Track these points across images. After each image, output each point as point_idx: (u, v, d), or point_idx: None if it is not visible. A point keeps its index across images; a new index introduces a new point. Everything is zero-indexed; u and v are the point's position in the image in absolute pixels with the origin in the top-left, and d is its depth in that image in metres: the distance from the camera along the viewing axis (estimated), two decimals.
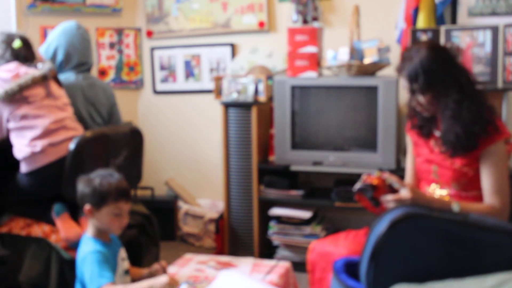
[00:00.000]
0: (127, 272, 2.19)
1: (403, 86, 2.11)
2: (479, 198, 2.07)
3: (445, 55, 2.07)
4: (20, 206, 2.67)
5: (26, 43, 2.78)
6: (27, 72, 2.64)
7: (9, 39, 2.75)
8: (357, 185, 2.06)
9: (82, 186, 2.13)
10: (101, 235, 2.11)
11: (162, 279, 1.99)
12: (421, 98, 2.06)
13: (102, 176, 2.12)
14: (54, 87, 2.71)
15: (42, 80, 2.63)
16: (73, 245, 2.52)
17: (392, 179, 2.02)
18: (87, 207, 2.09)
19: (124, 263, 2.18)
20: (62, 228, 2.55)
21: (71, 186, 2.55)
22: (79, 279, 2.10)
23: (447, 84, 2.03)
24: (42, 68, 2.69)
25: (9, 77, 2.60)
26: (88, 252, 2.05)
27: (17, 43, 2.74)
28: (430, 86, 2.03)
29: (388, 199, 1.98)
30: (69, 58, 3.01)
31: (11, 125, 2.59)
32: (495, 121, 2.03)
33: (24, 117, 2.57)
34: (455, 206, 1.99)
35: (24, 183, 2.61)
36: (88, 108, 3.03)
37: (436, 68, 2.02)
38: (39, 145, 2.55)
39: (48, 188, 2.61)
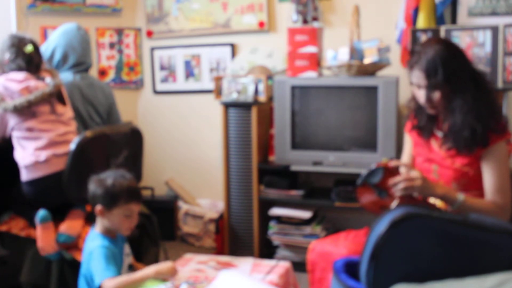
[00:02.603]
0: (131, 266, 2.22)
1: (415, 81, 2.06)
2: (479, 197, 2.07)
3: (459, 51, 2.06)
4: (21, 207, 2.67)
5: (36, 47, 2.73)
6: (37, 87, 2.60)
7: (21, 43, 2.68)
8: (364, 172, 2.01)
9: (93, 187, 2.14)
10: (108, 232, 2.15)
11: (168, 263, 2.06)
12: (436, 94, 2.04)
13: (114, 177, 2.14)
14: (57, 105, 2.67)
15: (49, 96, 2.62)
16: (51, 256, 2.51)
17: (401, 164, 1.99)
18: (98, 207, 2.11)
19: (128, 258, 2.21)
20: (40, 238, 2.50)
21: (71, 185, 2.57)
22: (83, 275, 2.12)
23: (465, 79, 2.01)
24: (49, 83, 2.65)
25: (17, 89, 2.56)
26: (95, 247, 2.08)
27: (29, 48, 2.67)
28: (449, 80, 1.99)
29: (399, 179, 1.93)
30: (67, 57, 3.02)
31: (16, 133, 2.58)
32: (504, 122, 2.04)
33: (29, 129, 2.57)
34: (460, 196, 1.98)
35: (24, 191, 2.60)
36: (87, 107, 3.03)
37: (454, 62, 2.00)
38: (44, 154, 2.55)
39: (47, 198, 2.60)
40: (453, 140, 2.05)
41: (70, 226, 2.56)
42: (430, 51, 2.01)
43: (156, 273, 2.04)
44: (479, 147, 2.02)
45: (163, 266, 2.06)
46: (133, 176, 2.21)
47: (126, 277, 2.02)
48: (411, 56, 2.10)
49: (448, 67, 1.99)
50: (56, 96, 2.67)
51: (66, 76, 2.99)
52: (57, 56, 3.02)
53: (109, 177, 2.14)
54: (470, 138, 2.00)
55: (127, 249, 2.24)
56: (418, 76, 2.04)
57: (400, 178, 1.95)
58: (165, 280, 2.08)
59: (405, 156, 2.33)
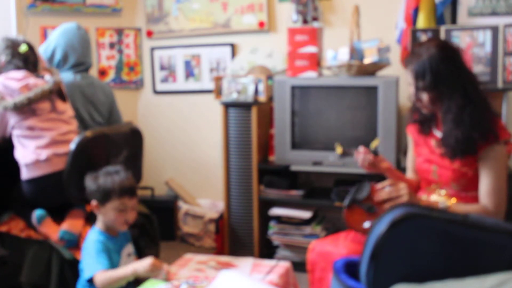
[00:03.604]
0: None
1: (408, 81, 2.11)
2: (478, 198, 2.07)
3: (454, 57, 2.06)
4: (20, 208, 2.67)
5: (30, 47, 2.74)
6: (36, 84, 2.60)
7: (14, 44, 2.70)
8: (351, 191, 2.11)
9: (89, 183, 2.23)
10: (108, 229, 2.20)
11: (145, 262, 2.04)
12: (424, 96, 2.06)
13: (107, 173, 2.22)
14: (58, 102, 2.68)
15: (49, 93, 2.62)
16: (70, 244, 2.53)
17: (385, 186, 2.08)
18: (93, 203, 2.20)
19: (129, 259, 2.22)
20: (51, 233, 2.53)
21: (71, 185, 2.56)
22: (82, 269, 2.15)
23: (452, 87, 2.02)
24: (49, 80, 2.66)
25: (17, 87, 2.56)
26: (90, 241, 2.14)
27: (23, 47, 2.69)
28: (435, 86, 2.02)
29: (386, 184, 2.04)
30: (67, 57, 3.02)
31: (16, 132, 2.58)
32: (495, 128, 2.02)
33: (30, 128, 2.57)
34: (442, 205, 2.01)
35: (24, 190, 2.60)
36: (88, 107, 3.03)
37: (444, 69, 2.01)
38: (45, 153, 2.55)
39: (47, 198, 2.60)
40: (443, 146, 2.08)
41: (71, 224, 2.56)
42: (424, 53, 2.04)
43: (134, 272, 2.03)
44: (472, 154, 2.03)
45: (139, 264, 2.04)
46: (130, 172, 2.26)
47: (111, 273, 2.04)
48: (409, 55, 2.13)
49: (436, 73, 2.01)
50: (56, 93, 2.67)
51: (67, 76, 2.99)
52: (58, 56, 3.03)
53: (103, 173, 2.23)
54: (455, 146, 2.03)
55: (130, 248, 2.26)
56: (409, 75, 2.09)
57: (387, 183, 2.05)
58: (166, 280, 2.08)
59: (409, 155, 2.34)
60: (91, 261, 2.08)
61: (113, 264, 2.12)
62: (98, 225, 2.22)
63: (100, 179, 2.20)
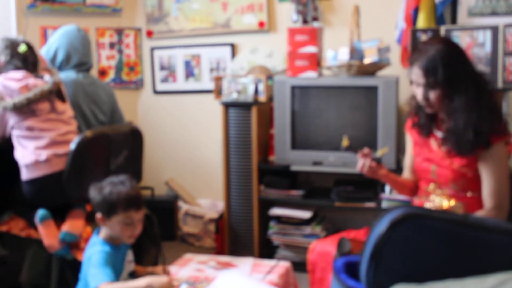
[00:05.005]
0: (132, 274, 2.19)
1: (414, 78, 2.06)
2: (477, 199, 2.07)
3: (460, 51, 2.05)
4: (20, 208, 2.67)
5: (30, 47, 2.75)
6: (36, 84, 2.60)
7: (13, 44, 2.70)
8: (337, 252, 2.18)
9: (93, 194, 2.12)
10: (111, 239, 2.11)
11: (163, 279, 1.97)
12: (432, 93, 2.03)
13: (113, 185, 2.10)
14: (57, 102, 2.68)
15: (49, 94, 2.62)
16: (60, 252, 2.52)
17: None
18: (98, 215, 2.09)
19: (130, 265, 2.19)
20: (45, 236, 2.50)
21: (71, 185, 2.56)
22: (83, 278, 2.11)
23: (465, 80, 2.00)
24: (48, 80, 2.65)
25: (16, 87, 2.56)
26: (94, 252, 2.06)
27: (22, 48, 2.70)
28: (448, 80, 1.98)
29: None
30: (69, 58, 3.03)
31: (16, 132, 2.58)
32: (503, 121, 2.03)
33: (30, 128, 2.57)
34: None
35: (24, 190, 2.60)
36: (91, 106, 3.04)
37: (455, 63, 1.99)
38: (44, 154, 2.54)
39: (47, 198, 2.59)
40: (455, 141, 2.04)
41: (72, 225, 2.56)
42: (431, 49, 2.00)
43: (148, 285, 1.98)
44: (481, 148, 2.01)
45: (156, 279, 1.97)
46: (134, 182, 2.17)
47: (120, 285, 1.98)
48: (412, 53, 2.10)
49: (448, 66, 1.98)
50: (55, 93, 2.67)
51: (70, 75, 3.00)
52: (60, 57, 3.04)
53: (108, 184, 2.11)
54: (473, 139, 1.99)
55: (130, 255, 2.21)
56: (416, 73, 2.04)
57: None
58: None
59: (408, 155, 2.34)
60: (96, 272, 1.98)
61: (117, 274, 2.09)
62: (102, 235, 2.12)
63: (104, 190, 2.08)
